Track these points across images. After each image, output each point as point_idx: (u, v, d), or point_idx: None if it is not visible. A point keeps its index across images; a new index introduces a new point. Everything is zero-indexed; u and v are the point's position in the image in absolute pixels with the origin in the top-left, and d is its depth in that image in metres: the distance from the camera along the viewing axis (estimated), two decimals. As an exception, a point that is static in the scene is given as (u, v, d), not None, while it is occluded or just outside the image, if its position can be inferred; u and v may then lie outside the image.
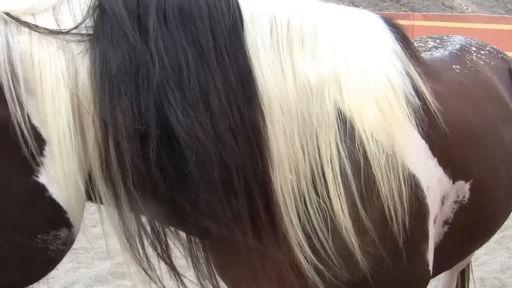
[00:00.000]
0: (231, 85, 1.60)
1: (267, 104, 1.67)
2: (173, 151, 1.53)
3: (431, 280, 3.83)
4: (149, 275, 1.68)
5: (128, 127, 1.46)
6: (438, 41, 3.08)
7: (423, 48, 2.98)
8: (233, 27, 1.63)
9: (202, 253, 1.89)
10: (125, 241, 1.61)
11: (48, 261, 1.50)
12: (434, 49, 2.92)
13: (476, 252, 5.81)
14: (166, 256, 1.69)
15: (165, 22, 1.53)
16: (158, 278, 1.70)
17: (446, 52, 2.81)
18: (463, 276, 4.07)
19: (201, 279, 1.86)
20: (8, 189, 1.39)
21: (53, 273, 5.48)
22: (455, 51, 2.83)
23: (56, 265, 1.56)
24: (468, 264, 4.05)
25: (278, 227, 1.73)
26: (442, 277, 3.79)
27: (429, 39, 3.16)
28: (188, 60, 1.53)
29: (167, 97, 1.49)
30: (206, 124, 1.55)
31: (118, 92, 1.45)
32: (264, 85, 1.66)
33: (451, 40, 3.07)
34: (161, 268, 1.73)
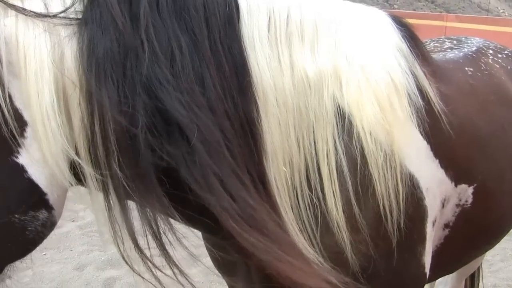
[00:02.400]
0: (224, 74, 1.59)
1: (262, 96, 1.66)
2: (169, 132, 1.52)
3: (438, 284, 3.83)
4: (131, 267, 1.65)
5: (114, 109, 1.46)
6: (455, 42, 3.05)
7: (439, 49, 2.95)
8: (228, 17, 1.62)
9: None
10: (110, 228, 1.60)
11: (27, 242, 1.52)
12: (449, 50, 2.88)
13: (491, 258, 5.77)
14: (160, 245, 1.64)
15: (158, 10, 1.54)
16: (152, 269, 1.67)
17: (461, 54, 2.77)
18: (473, 282, 4.03)
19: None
20: None
21: (66, 254, 5.60)
22: (470, 53, 2.79)
23: (36, 246, 1.58)
24: (479, 269, 4.00)
25: (280, 217, 1.72)
26: (449, 281, 3.75)
27: (446, 40, 3.13)
28: (182, 47, 1.54)
29: (159, 79, 1.49)
30: (204, 107, 1.54)
31: (105, 74, 1.46)
32: (259, 77, 1.66)
33: (468, 41, 3.03)
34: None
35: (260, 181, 1.69)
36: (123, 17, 1.49)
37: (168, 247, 1.65)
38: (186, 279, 1.68)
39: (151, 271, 1.64)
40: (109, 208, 1.58)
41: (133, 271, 1.65)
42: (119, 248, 1.62)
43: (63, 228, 5.94)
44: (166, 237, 1.64)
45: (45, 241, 5.27)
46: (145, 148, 1.50)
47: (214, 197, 1.55)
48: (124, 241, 1.61)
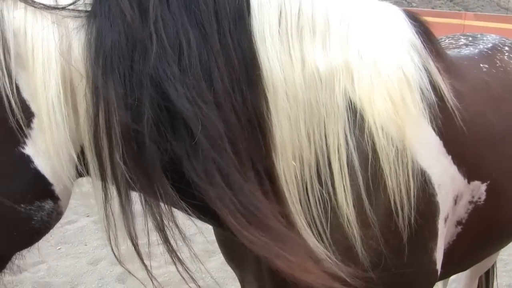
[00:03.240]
0: (233, 67, 1.60)
1: (272, 89, 1.66)
2: (174, 125, 1.53)
3: (451, 282, 3.80)
4: (118, 259, 1.67)
5: (119, 101, 1.48)
6: (470, 38, 3.02)
7: (454, 45, 2.93)
8: (238, 11, 1.62)
9: None
10: (104, 219, 1.62)
11: (33, 231, 1.55)
12: (464, 47, 2.86)
13: (506, 258, 5.72)
14: (163, 237, 1.65)
15: (167, 3, 1.54)
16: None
17: (476, 50, 2.74)
18: (487, 281, 4.00)
19: None
20: None
21: (81, 249, 5.64)
22: (485, 50, 2.76)
23: (42, 236, 1.61)
24: (493, 268, 3.98)
25: (285, 210, 1.73)
26: (462, 279, 3.73)
27: (461, 37, 3.10)
28: (190, 40, 1.54)
29: (165, 73, 1.50)
30: (210, 101, 1.55)
31: (112, 67, 1.47)
32: (269, 71, 1.66)
33: (484, 38, 3.00)
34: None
35: (268, 175, 1.70)
36: (131, 10, 1.50)
37: (171, 240, 1.66)
38: (189, 274, 1.70)
39: (145, 268, 1.65)
40: (107, 200, 1.60)
41: (122, 266, 1.67)
42: (110, 241, 1.63)
43: (78, 223, 5.99)
44: (170, 230, 1.65)
45: (60, 236, 5.37)
46: (150, 141, 1.51)
47: (215, 193, 1.56)
48: (117, 235, 1.62)
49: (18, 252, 1.65)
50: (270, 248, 1.61)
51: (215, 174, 1.56)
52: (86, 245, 5.68)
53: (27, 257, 5.52)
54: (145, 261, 1.65)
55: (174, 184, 1.59)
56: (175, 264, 1.68)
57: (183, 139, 1.54)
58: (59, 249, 5.57)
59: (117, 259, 1.67)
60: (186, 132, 1.53)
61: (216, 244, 2.43)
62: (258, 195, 1.63)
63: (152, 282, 1.70)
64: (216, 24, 1.59)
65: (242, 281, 2.43)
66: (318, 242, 1.78)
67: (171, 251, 1.66)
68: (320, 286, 1.67)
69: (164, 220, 1.63)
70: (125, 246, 1.65)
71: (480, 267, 3.62)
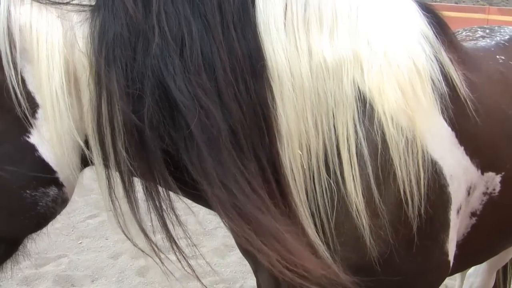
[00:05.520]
0: (237, 58, 1.63)
1: (277, 79, 1.68)
2: (173, 115, 1.58)
3: (468, 275, 3.78)
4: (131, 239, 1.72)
5: (121, 91, 1.53)
6: (487, 31, 2.99)
7: (470, 38, 2.90)
8: (242, 4, 1.66)
9: None
10: (109, 204, 1.69)
11: (39, 216, 1.62)
12: (480, 39, 2.83)
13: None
14: (161, 222, 1.70)
15: None
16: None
17: (493, 42, 2.72)
18: (505, 274, 3.97)
19: None
20: (0, 146, 1.53)
21: (102, 243, 5.69)
22: (502, 42, 2.73)
23: (48, 221, 1.68)
24: (511, 262, 3.94)
25: (288, 199, 1.75)
26: (480, 273, 3.70)
27: (479, 29, 3.07)
28: (192, 31, 1.58)
29: (166, 64, 1.55)
30: (210, 91, 1.59)
31: (114, 57, 1.53)
32: (274, 61, 1.68)
33: (501, 30, 2.97)
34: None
35: (271, 164, 1.71)
36: (134, 3, 1.55)
37: (170, 226, 1.70)
38: (186, 262, 1.74)
39: (155, 250, 1.71)
40: (111, 186, 1.67)
41: (136, 246, 1.72)
42: (120, 225, 1.70)
43: (99, 217, 6.05)
44: (168, 215, 1.70)
45: (81, 230, 5.43)
46: (150, 130, 1.56)
47: (208, 183, 1.61)
48: (125, 220, 1.69)
49: (28, 236, 1.73)
50: (253, 242, 1.64)
51: (208, 165, 1.60)
52: (107, 239, 5.73)
53: (49, 251, 5.64)
54: (157, 248, 1.71)
55: (172, 172, 1.64)
56: (174, 251, 1.72)
57: (181, 128, 1.58)
58: (80, 243, 5.63)
59: (126, 236, 1.72)
60: (183, 122, 1.57)
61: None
62: (252, 187, 1.65)
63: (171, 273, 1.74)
64: (219, 16, 1.62)
65: (255, 272, 2.44)
66: (319, 233, 1.80)
67: (169, 236, 1.71)
68: (314, 283, 1.68)
69: (162, 205, 1.68)
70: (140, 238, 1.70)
71: (498, 261, 3.59)
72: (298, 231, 1.75)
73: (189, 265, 1.75)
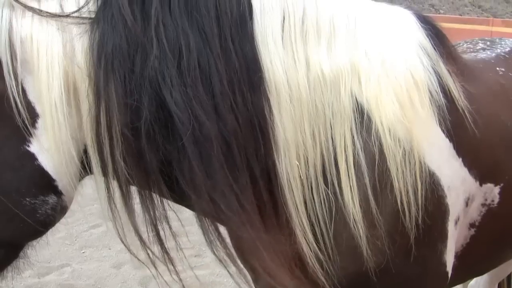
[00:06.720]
0: (234, 70, 1.65)
1: (274, 91, 1.70)
2: (168, 127, 1.61)
3: (470, 287, 3.76)
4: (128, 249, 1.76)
5: (119, 101, 1.56)
6: (488, 43, 3.00)
7: (471, 49, 2.91)
8: (240, 16, 1.68)
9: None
10: (109, 213, 1.71)
11: (38, 223, 1.65)
12: (481, 51, 2.84)
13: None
14: (154, 230, 1.72)
15: (169, 10, 1.62)
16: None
17: (493, 54, 2.73)
18: (509, 286, 3.95)
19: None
20: (1, 154, 1.56)
21: (105, 253, 5.70)
22: (503, 53, 2.75)
23: (48, 229, 1.71)
24: (514, 273, 3.93)
25: (280, 210, 1.77)
26: (481, 285, 3.69)
27: (479, 41, 3.08)
28: (190, 44, 1.61)
29: (164, 76, 1.58)
30: (206, 103, 1.61)
31: (112, 68, 1.56)
32: (271, 73, 1.70)
33: (502, 42, 2.98)
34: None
35: (267, 174, 1.73)
36: (133, 16, 1.59)
37: (162, 234, 1.72)
38: (176, 273, 1.78)
39: (151, 260, 1.74)
40: (109, 195, 1.69)
41: (134, 256, 1.76)
42: (119, 234, 1.72)
43: (102, 227, 6.06)
44: (161, 225, 1.72)
45: (84, 239, 5.44)
46: (147, 140, 1.59)
47: (196, 196, 1.65)
48: (123, 227, 1.70)
49: (28, 242, 1.75)
50: (230, 257, 1.73)
51: (198, 179, 1.63)
52: (110, 249, 5.75)
53: (52, 260, 5.65)
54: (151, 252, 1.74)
55: (166, 181, 1.68)
56: (166, 262, 1.76)
57: (174, 140, 1.61)
58: (83, 252, 5.65)
59: (124, 245, 1.74)
60: (177, 135, 1.60)
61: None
62: (241, 199, 1.68)
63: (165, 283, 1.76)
64: (217, 28, 1.65)
65: (255, 281, 2.45)
66: (319, 243, 1.81)
67: (162, 245, 1.73)
68: None
69: (156, 213, 1.71)
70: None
71: (500, 272, 3.58)
72: (286, 243, 1.78)
73: (178, 277, 1.77)
